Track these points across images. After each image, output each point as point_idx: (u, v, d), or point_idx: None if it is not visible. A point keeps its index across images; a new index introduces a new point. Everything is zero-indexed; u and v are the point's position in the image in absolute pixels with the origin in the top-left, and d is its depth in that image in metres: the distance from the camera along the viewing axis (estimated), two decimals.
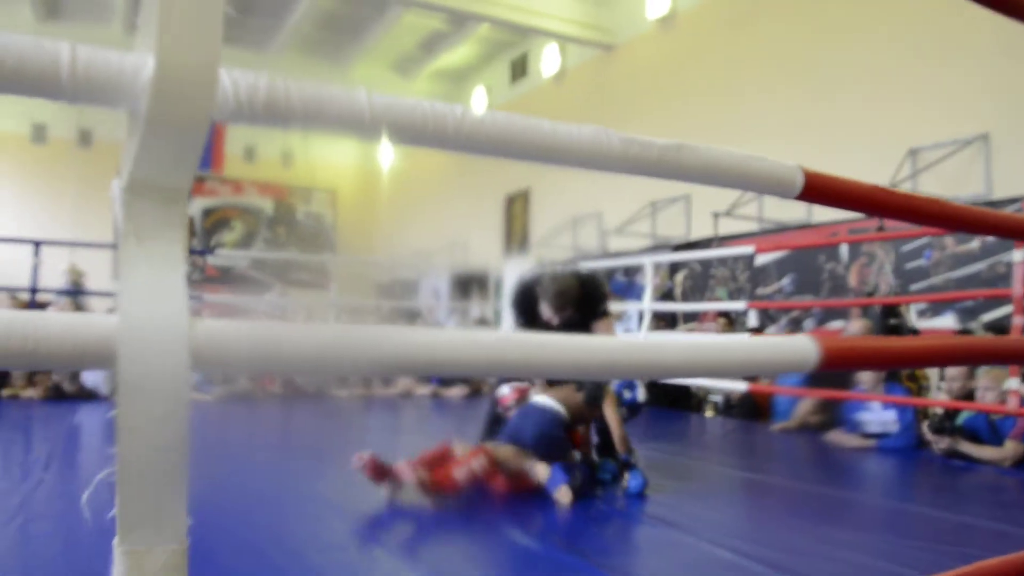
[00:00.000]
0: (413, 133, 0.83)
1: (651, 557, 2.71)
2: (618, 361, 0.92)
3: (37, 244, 7.31)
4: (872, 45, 8.13)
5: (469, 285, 12.65)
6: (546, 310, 3.92)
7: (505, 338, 0.85)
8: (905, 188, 7.57)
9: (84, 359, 0.66)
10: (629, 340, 0.96)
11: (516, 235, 13.95)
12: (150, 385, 0.65)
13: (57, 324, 0.65)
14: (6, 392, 7.07)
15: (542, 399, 3.73)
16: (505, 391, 4.05)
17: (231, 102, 0.72)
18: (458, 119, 0.84)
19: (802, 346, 1.09)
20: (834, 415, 5.85)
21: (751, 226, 8.98)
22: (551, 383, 3.84)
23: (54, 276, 8.73)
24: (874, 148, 7.85)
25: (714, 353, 1.00)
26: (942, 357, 1.38)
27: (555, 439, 3.60)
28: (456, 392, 8.09)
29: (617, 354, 0.93)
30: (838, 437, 5.46)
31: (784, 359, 1.08)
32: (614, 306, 8.75)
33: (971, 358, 1.42)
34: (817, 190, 1.13)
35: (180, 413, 0.66)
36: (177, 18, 0.66)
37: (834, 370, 1.11)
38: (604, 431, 4.00)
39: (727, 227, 9.06)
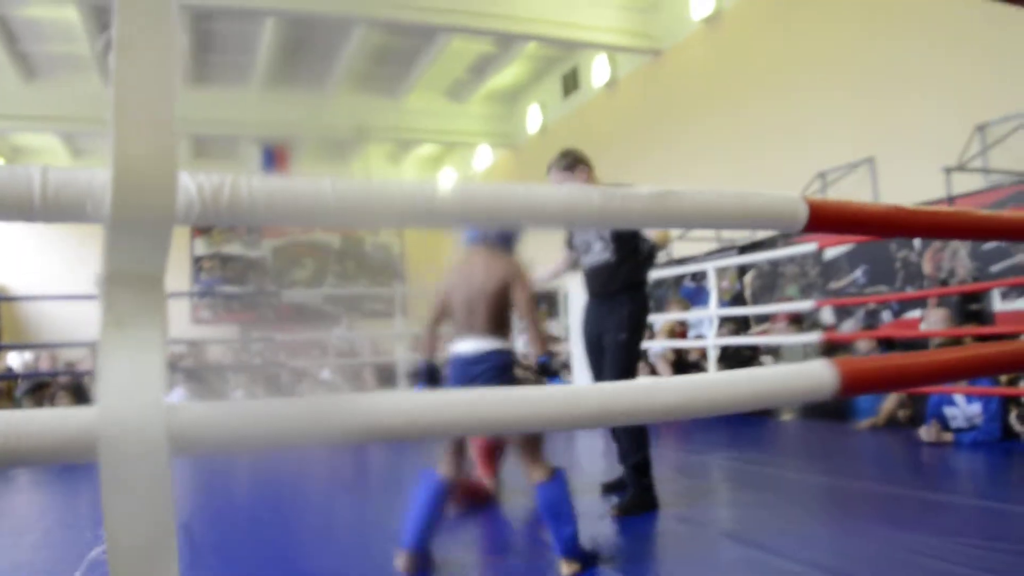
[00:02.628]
0: (381, 216, 0.85)
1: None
2: (615, 407, 0.92)
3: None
4: (928, 21, 7.89)
5: (539, 304, 12.58)
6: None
7: (464, 398, 0.86)
8: (975, 166, 7.31)
9: (66, 453, 0.69)
10: (634, 384, 0.96)
11: None
12: (132, 475, 0.68)
13: (37, 421, 0.69)
14: None
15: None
16: None
17: (196, 204, 0.75)
18: (428, 196, 0.86)
19: (818, 373, 1.06)
20: (922, 409, 5.65)
21: None
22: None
23: None
24: (940, 128, 7.60)
25: (722, 389, 0.99)
26: (971, 368, 1.33)
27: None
28: None
29: (616, 399, 0.93)
30: (923, 433, 5.27)
31: (799, 388, 1.06)
32: (683, 314, 8.64)
33: (1002, 366, 1.36)
34: (824, 220, 1.11)
35: (164, 502, 0.69)
36: (131, 133, 0.70)
37: (855, 395, 1.08)
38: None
39: None
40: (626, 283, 3.85)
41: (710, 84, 10.90)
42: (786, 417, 7.05)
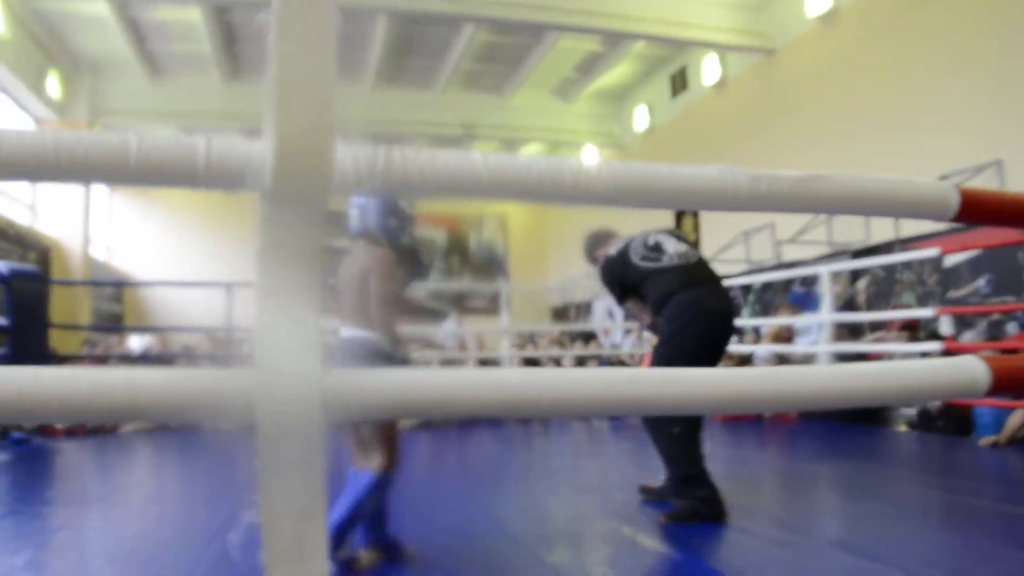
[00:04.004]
0: (530, 190, 0.85)
1: None
2: (762, 392, 0.90)
3: (228, 286, 7.94)
4: None
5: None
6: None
7: (618, 376, 0.85)
8: None
9: (224, 414, 0.72)
10: (777, 370, 0.94)
11: None
12: (287, 434, 0.70)
13: (196, 380, 0.72)
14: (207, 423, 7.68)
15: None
16: None
17: (350, 176, 0.77)
18: (575, 172, 0.85)
19: (968, 368, 1.01)
20: None
21: (938, 226, 8.38)
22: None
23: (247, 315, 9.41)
24: None
25: (867, 380, 0.95)
26: None
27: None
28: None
29: (761, 385, 0.90)
30: None
31: (948, 383, 1.00)
32: (791, 318, 8.42)
33: None
34: (976, 209, 1.06)
35: (316, 461, 0.71)
36: (292, 107, 0.72)
37: (1008, 393, 1.02)
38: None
39: (911, 228, 8.53)
40: (656, 299, 3.75)
41: (825, 84, 10.57)
42: (900, 428, 6.78)
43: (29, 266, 9.77)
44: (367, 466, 2.71)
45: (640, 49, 14.06)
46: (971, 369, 1.00)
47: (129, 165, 0.78)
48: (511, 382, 0.81)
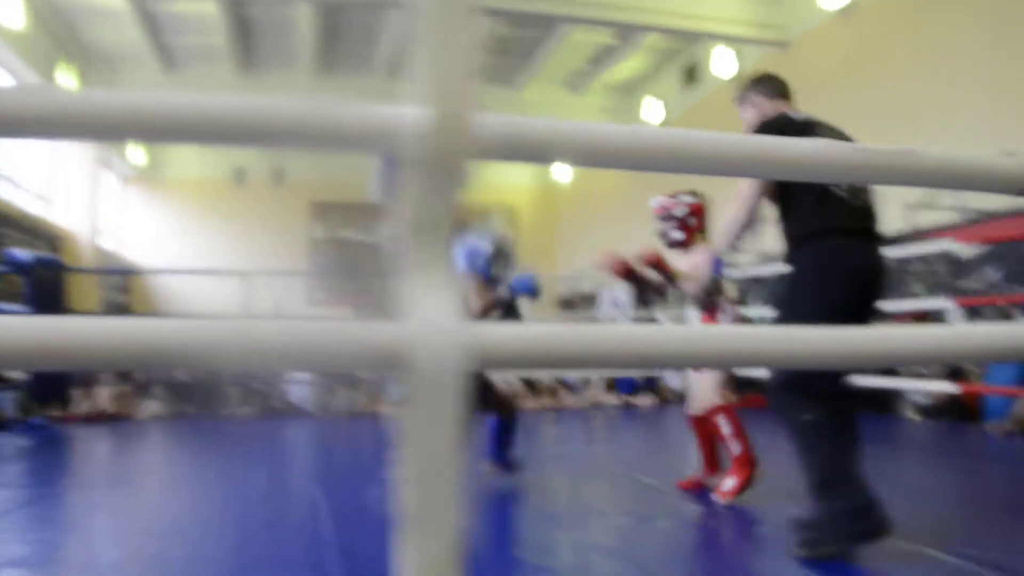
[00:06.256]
0: (651, 159, 0.91)
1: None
2: (803, 351, 0.94)
3: (243, 274, 8.05)
4: None
5: (648, 294, 12.49)
6: None
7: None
8: None
9: (378, 361, 0.78)
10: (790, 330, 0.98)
11: None
12: (434, 379, 0.76)
13: (355, 331, 0.78)
14: (225, 410, 7.78)
15: None
16: None
17: (488, 143, 0.84)
18: (701, 142, 0.91)
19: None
20: None
21: (950, 216, 8.41)
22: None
23: (260, 303, 9.49)
24: None
25: (917, 342, 1.00)
26: None
27: None
28: (645, 401, 8.09)
29: (788, 343, 0.94)
30: None
31: (1000, 347, 1.05)
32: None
33: None
34: None
35: (456, 408, 0.77)
36: (442, 76, 0.79)
37: None
38: None
39: (922, 218, 8.55)
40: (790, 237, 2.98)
41: (841, 78, 10.56)
42: (911, 416, 6.85)
43: (49, 254, 9.86)
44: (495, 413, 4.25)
45: (652, 41, 14.09)
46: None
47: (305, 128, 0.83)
48: (641, 337, 0.87)
